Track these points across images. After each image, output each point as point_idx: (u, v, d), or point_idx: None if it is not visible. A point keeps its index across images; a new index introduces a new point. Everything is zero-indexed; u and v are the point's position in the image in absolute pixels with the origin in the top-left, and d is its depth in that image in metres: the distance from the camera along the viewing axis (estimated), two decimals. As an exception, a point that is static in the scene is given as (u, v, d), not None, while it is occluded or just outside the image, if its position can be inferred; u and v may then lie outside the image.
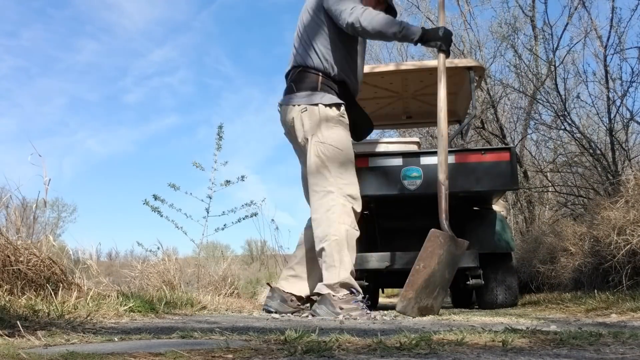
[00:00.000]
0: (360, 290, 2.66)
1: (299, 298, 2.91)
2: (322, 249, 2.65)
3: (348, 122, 2.85)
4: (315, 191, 2.74)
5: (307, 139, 2.80)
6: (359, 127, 3.01)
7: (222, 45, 48.59)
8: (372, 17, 2.67)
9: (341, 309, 2.52)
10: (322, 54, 2.83)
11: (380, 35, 2.73)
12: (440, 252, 2.55)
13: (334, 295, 2.56)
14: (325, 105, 2.78)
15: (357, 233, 2.72)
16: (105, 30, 44.36)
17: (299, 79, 2.87)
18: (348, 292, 2.58)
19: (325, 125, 2.76)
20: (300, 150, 2.93)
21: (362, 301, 2.58)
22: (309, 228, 2.90)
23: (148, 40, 47.13)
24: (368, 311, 2.56)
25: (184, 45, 46.13)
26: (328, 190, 2.70)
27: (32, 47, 44.38)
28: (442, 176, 2.76)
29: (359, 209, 2.76)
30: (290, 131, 2.91)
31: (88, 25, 44.78)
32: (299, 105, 2.82)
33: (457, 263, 2.67)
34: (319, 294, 2.65)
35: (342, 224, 2.65)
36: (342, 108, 2.82)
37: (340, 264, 2.60)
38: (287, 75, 2.99)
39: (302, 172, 2.98)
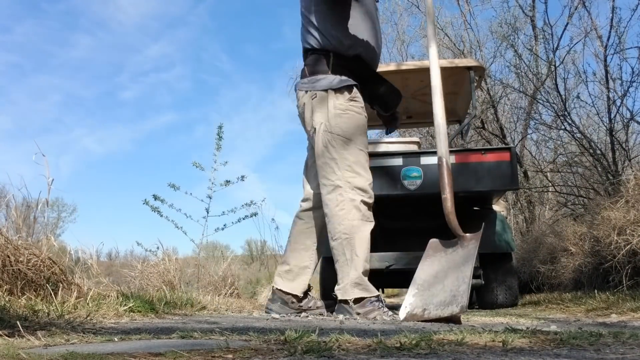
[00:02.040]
0: (372, 288, 2.58)
1: (297, 297, 2.86)
2: (333, 247, 2.63)
3: (362, 105, 2.73)
4: (324, 184, 2.68)
5: (314, 128, 2.72)
6: (388, 98, 2.91)
7: (219, 41, 48.07)
8: None
9: (358, 314, 2.49)
10: (327, 29, 2.70)
11: None
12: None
13: (347, 301, 2.53)
14: (336, 91, 2.68)
15: (371, 224, 2.65)
16: (100, 25, 43.91)
17: (311, 62, 2.79)
18: (361, 292, 2.53)
19: (333, 113, 2.67)
20: (309, 137, 2.87)
21: (376, 300, 2.53)
22: (298, 216, 2.88)
23: (143, 35, 46.73)
24: (386, 309, 2.51)
25: (180, 40, 45.69)
26: (336, 185, 2.63)
27: (26, 42, 44.05)
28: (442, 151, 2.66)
29: (370, 200, 2.67)
30: (300, 117, 2.85)
31: (82, 19, 44.47)
32: (308, 91, 2.75)
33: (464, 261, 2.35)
34: (335, 297, 2.63)
35: (351, 220, 2.59)
36: (354, 91, 2.71)
37: (350, 263, 2.56)
38: (304, 58, 2.89)
39: (307, 158, 2.95)
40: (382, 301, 2.55)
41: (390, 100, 2.94)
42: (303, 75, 2.83)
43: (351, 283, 2.55)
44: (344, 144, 2.64)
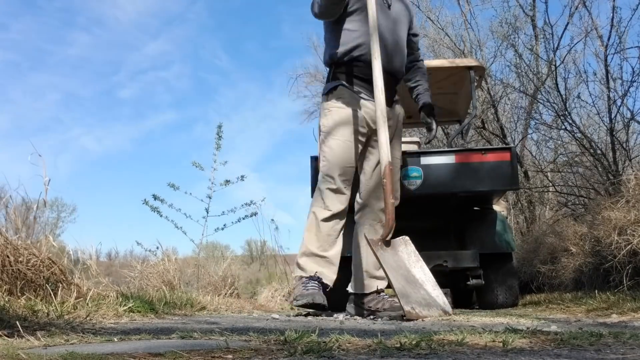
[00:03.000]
0: (308, 268, 2.74)
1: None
2: None
3: (347, 99, 2.86)
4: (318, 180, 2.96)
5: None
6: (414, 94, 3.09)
7: (217, 38, 47.67)
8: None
9: (293, 289, 2.83)
10: (327, 44, 2.98)
11: (323, 6, 2.79)
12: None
13: (294, 277, 2.84)
14: (327, 94, 2.95)
15: (326, 212, 2.78)
16: (98, 22, 43.69)
17: (326, 75, 3.09)
18: (299, 271, 2.76)
19: (323, 114, 2.94)
20: None
21: (307, 279, 2.71)
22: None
23: (142, 33, 46.44)
24: (311, 284, 2.68)
25: (179, 37, 45.39)
26: (320, 180, 2.89)
27: (23, 40, 43.82)
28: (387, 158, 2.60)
29: (333, 185, 2.81)
30: None
31: (79, 16, 44.29)
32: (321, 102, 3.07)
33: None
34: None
35: (314, 207, 2.82)
36: (338, 89, 2.88)
37: (302, 245, 2.82)
38: None
39: None
40: (313, 279, 2.72)
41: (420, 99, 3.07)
42: None
43: (296, 263, 2.85)
44: (325, 138, 2.89)
